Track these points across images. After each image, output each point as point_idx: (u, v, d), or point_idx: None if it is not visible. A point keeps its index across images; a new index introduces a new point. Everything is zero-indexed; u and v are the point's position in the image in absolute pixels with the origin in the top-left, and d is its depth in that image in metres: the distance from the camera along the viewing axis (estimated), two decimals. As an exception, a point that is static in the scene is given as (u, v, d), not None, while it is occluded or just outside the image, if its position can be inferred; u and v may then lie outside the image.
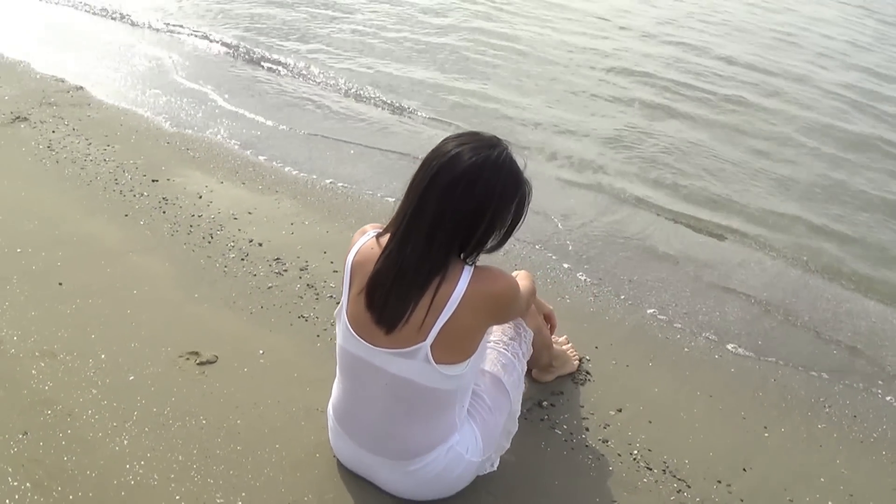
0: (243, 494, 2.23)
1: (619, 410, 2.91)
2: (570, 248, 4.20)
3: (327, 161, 4.86)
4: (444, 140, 2.07)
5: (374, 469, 2.27)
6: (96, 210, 3.73)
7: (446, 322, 1.99)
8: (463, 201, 1.97)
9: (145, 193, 3.99)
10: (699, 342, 3.44)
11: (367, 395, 2.16)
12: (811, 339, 3.63)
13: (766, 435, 2.90)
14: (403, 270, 2.00)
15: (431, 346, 2.02)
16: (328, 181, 4.54)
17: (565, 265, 3.99)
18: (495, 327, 2.52)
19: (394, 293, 2.01)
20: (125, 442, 2.35)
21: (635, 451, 2.70)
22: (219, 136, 5.03)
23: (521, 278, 2.56)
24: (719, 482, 2.62)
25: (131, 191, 4.00)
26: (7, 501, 2.08)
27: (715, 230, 4.64)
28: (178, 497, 2.20)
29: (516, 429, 2.53)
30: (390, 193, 4.36)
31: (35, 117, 4.75)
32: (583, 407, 2.90)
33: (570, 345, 3.15)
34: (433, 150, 2.04)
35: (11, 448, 2.25)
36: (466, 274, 2.00)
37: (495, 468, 2.47)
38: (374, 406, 2.16)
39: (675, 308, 3.72)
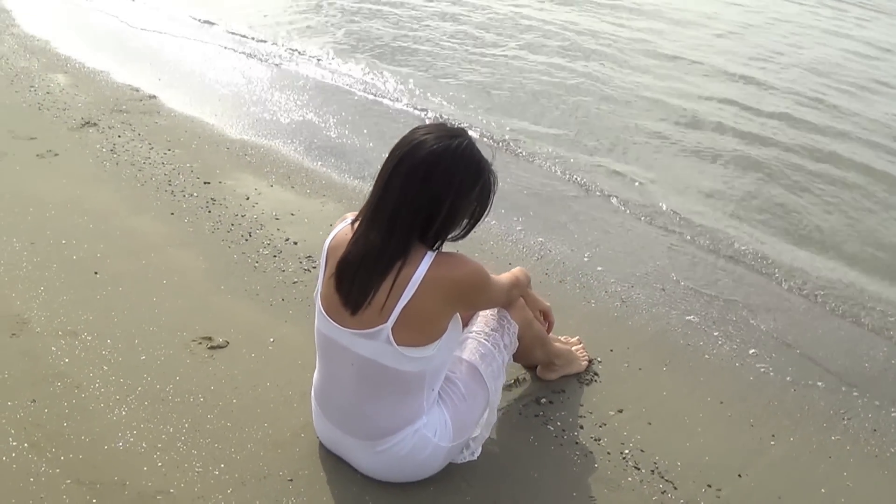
0: (222, 466, 2.35)
1: (620, 411, 2.88)
2: (608, 254, 4.17)
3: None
4: (413, 129, 2.15)
5: (348, 449, 2.35)
6: (144, 208, 3.97)
7: (406, 304, 2.06)
8: (422, 189, 2.06)
9: (195, 194, 4.21)
10: (722, 350, 3.37)
11: (338, 375, 2.25)
12: (844, 353, 3.49)
13: (773, 443, 2.81)
14: (368, 254, 2.08)
15: (392, 328, 2.08)
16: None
17: (598, 268, 3.95)
18: (480, 318, 2.56)
19: (359, 276, 2.10)
20: (123, 413, 2.51)
21: (626, 451, 2.68)
22: (278, 142, 5.23)
23: (513, 272, 2.59)
24: (709, 486, 2.57)
25: (182, 191, 4.23)
26: (3, 458, 2.25)
27: (759, 244, 4.48)
28: (160, 464, 2.33)
29: (496, 419, 2.55)
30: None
31: (104, 123, 5.08)
32: (582, 406, 2.89)
33: (581, 346, 3.14)
34: (400, 139, 2.12)
35: (18, 413, 2.44)
36: (428, 259, 2.06)
37: (475, 457, 2.50)
38: (345, 386, 2.24)
39: (705, 316, 3.65)
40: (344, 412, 2.29)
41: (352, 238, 2.14)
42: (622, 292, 3.76)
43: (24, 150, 4.44)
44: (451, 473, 2.45)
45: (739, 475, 2.63)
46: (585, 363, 3.09)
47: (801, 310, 3.82)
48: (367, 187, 4.48)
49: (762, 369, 3.26)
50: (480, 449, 2.55)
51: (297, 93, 6.38)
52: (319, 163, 4.98)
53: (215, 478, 2.31)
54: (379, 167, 2.14)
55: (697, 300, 3.78)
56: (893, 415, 3.07)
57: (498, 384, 2.48)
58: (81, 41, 7.32)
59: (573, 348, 3.12)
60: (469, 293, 2.17)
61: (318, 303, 2.23)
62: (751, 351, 3.40)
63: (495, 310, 2.57)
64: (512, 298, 2.54)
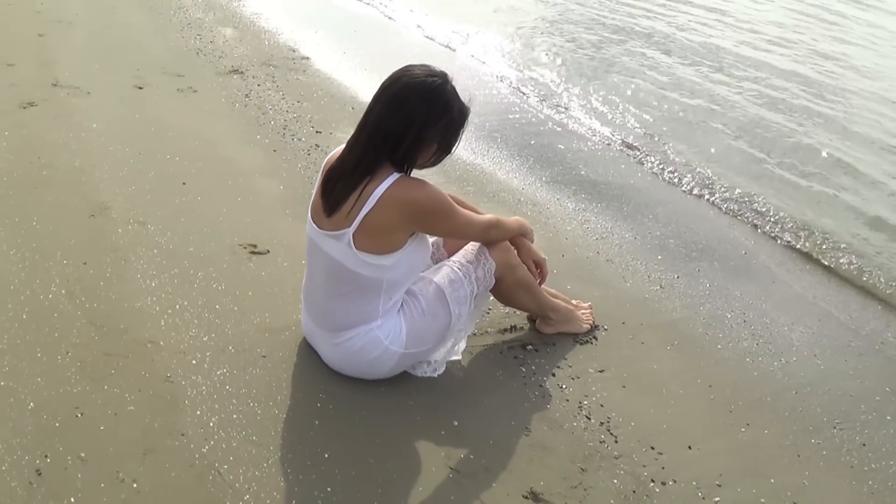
0: (213, 335, 2.74)
1: (601, 371, 2.99)
2: (671, 243, 4.23)
3: (516, 166, 5.23)
4: (405, 66, 2.46)
5: (317, 339, 2.68)
6: (251, 142, 4.48)
7: (366, 214, 2.37)
8: (394, 115, 2.38)
9: (303, 139, 4.68)
10: (739, 346, 3.36)
11: (313, 272, 2.59)
12: (866, 370, 3.37)
13: (743, 430, 2.83)
14: (346, 168, 2.42)
15: (354, 234, 2.40)
16: (492, 180, 4.93)
17: (658, 256, 4.03)
18: (462, 251, 2.80)
19: (338, 185, 2.43)
20: (152, 284, 2.97)
21: (585, 402, 2.80)
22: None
23: (499, 217, 2.81)
24: (652, 448, 2.64)
25: (293, 135, 4.72)
26: (41, 297, 2.77)
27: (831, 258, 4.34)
28: (162, 323, 2.76)
29: (463, 344, 2.78)
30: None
31: (250, 73, 5.70)
32: (565, 360, 3.02)
33: (589, 310, 3.27)
34: (391, 73, 2.44)
35: (68, 269, 2.96)
36: (391, 179, 2.36)
37: (436, 374, 2.75)
38: (317, 282, 2.58)
39: (741, 317, 3.63)
40: (315, 305, 2.62)
41: (339, 154, 2.48)
42: (665, 280, 3.81)
43: (168, 84, 5.11)
44: (405, 381, 2.70)
45: (689, 447, 2.68)
46: (587, 326, 3.21)
47: (833, 325, 3.69)
48: (478, 169, 4.78)
49: (770, 369, 3.23)
50: (444, 369, 2.78)
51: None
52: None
53: (202, 342, 2.70)
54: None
55: (738, 301, 3.76)
56: (891, 435, 2.95)
57: (462, 310, 2.70)
58: (265, 2, 8.06)
59: (580, 312, 3.24)
60: (422, 215, 2.43)
61: (309, 209, 2.57)
62: (769, 351, 3.37)
63: (477, 245, 2.79)
64: (489, 238, 2.74)
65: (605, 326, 3.27)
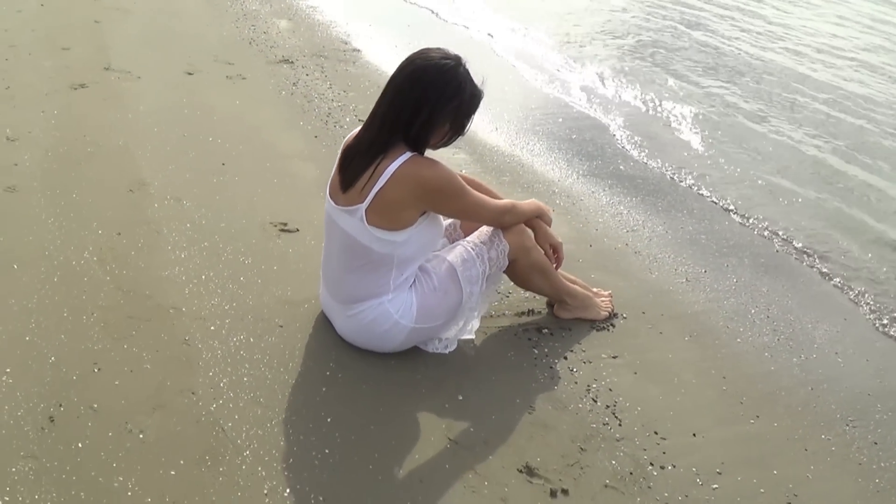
0: (234, 304, 2.86)
1: (614, 357, 3.02)
2: (703, 238, 4.22)
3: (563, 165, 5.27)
4: (422, 49, 2.54)
5: (332, 311, 2.77)
6: (294, 127, 4.61)
7: (378, 191, 2.45)
8: (408, 95, 2.46)
9: (344, 126, 4.79)
10: (759, 340, 3.34)
11: (330, 246, 2.68)
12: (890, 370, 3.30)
13: (752, 422, 2.82)
14: (362, 145, 2.51)
15: (366, 210, 2.48)
16: (539, 176, 4.97)
17: (684, 252, 4.02)
18: (476, 232, 2.86)
19: (354, 162, 2.52)
20: (181, 256, 3.10)
21: (594, 386, 2.83)
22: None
23: (515, 202, 2.85)
24: (655, 433, 2.66)
25: (336, 123, 4.83)
26: (73, 262, 2.92)
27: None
28: (186, 291, 2.89)
29: (476, 324, 2.84)
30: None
31: (300, 63, 5.84)
32: (579, 344, 3.05)
33: (609, 298, 3.30)
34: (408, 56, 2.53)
35: (102, 238, 3.11)
36: (404, 157, 2.44)
37: (447, 351, 2.82)
38: (333, 256, 2.67)
39: (764, 312, 3.61)
40: (331, 278, 2.71)
41: (357, 133, 2.57)
42: (691, 273, 3.80)
43: (218, 71, 5.27)
44: (416, 356, 2.77)
45: (694, 434, 2.69)
46: (605, 313, 3.23)
47: (859, 324, 3.63)
48: (521, 165, 4.85)
49: (788, 364, 3.21)
50: (455, 346, 2.84)
51: (512, 88, 6.75)
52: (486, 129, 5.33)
53: (223, 310, 2.81)
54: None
55: (764, 297, 3.73)
56: (907, 436, 2.91)
57: (474, 289, 2.76)
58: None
59: (599, 299, 3.27)
60: (432, 194, 2.50)
61: (328, 186, 2.67)
62: (789, 347, 3.34)
63: (492, 228, 2.85)
64: (503, 222, 2.79)
65: (625, 315, 3.28)
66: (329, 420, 2.40)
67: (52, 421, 2.18)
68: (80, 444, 2.13)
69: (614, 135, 5.59)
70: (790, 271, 4.02)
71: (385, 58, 6.38)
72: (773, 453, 2.67)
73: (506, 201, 2.80)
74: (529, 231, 2.89)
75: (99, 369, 2.42)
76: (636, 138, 5.59)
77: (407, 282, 2.66)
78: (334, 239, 2.62)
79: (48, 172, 3.51)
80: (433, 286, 2.68)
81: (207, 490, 2.08)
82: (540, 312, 3.19)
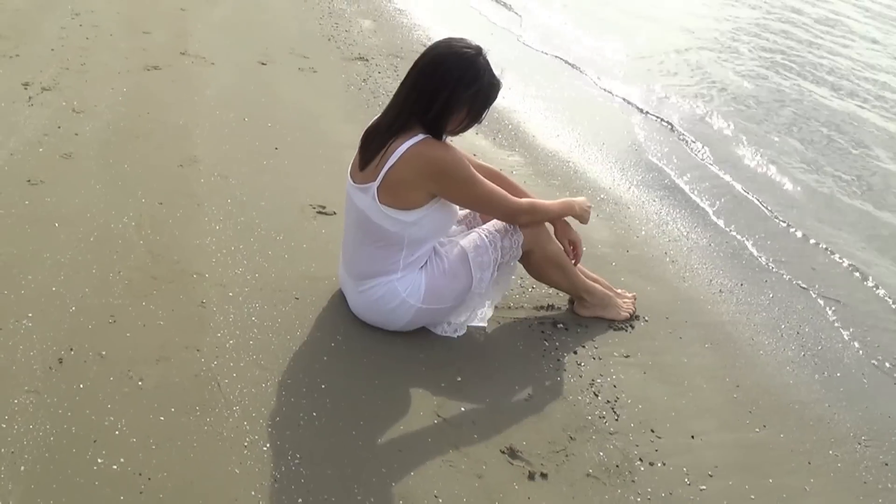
0: (256, 275, 2.99)
1: (626, 356, 3.01)
2: (746, 253, 4.16)
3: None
4: (445, 38, 2.63)
5: (346, 286, 2.88)
6: (353, 121, 4.72)
7: (389, 169, 2.54)
8: (429, 79, 2.54)
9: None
10: (783, 354, 3.27)
11: (348, 223, 2.79)
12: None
13: (757, 430, 2.78)
14: (381, 126, 2.61)
15: (378, 188, 2.57)
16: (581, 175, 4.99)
17: (728, 263, 3.98)
18: (493, 220, 2.92)
19: (373, 141, 2.63)
20: (216, 227, 3.25)
21: (598, 380, 2.84)
22: (518, 113, 5.72)
23: (554, 204, 2.91)
24: (652, 431, 2.65)
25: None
26: (112, 225, 3.11)
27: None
28: (213, 260, 3.04)
29: (490, 312, 2.92)
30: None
31: (375, 61, 5.99)
32: (592, 341, 3.06)
33: (632, 300, 3.29)
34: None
35: (144, 206, 3.28)
36: (417, 138, 2.53)
37: (455, 335, 2.88)
38: (349, 232, 2.78)
39: (795, 329, 3.53)
40: (346, 254, 2.82)
41: (380, 115, 2.67)
42: (727, 285, 3.74)
43: (291, 63, 5.47)
44: (423, 336, 2.84)
45: (693, 436, 2.67)
46: (626, 314, 3.23)
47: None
48: (561, 165, 4.88)
49: (810, 380, 3.14)
50: (464, 331, 2.90)
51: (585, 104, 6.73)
52: (545, 145, 5.37)
53: (244, 279, 2.95)
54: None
55: (797, 314, 3.64)
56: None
57: (484, 275, 2.81)
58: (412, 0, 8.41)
59: (621, 300, 3.27)
60: (439, 175, 2.56)
61: (350, 166, 2.78)
62: (814, 363, 3.26)
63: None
64: (518, 221, 2.81)
65: (646, 318, 3.27)
66: (323, 387, 2.48)
67: (61, 362, 2.34)
68: (81, 385, 2.28)
69: (678, 150, 5.52)
70: (830, 290, 3.89)
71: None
72: (773, 462, 2.62)
73: (525, 200, 2.81)
74: (544, 222, 2.91)
75: (114, 321, 2.58)
76: (700, 154, 5.50)
77: (418, 262, 2.73)
78: (351, 216, 2.72)
79: (105, 143, 3.73)
80: (443, 269, 2.74)
81: (190, 437, 2.19)
82: (559, 308, 3.21)
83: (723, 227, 4.39)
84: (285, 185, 3.67)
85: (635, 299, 3.32)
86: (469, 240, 2.80)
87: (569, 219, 3.02)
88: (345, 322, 2.81)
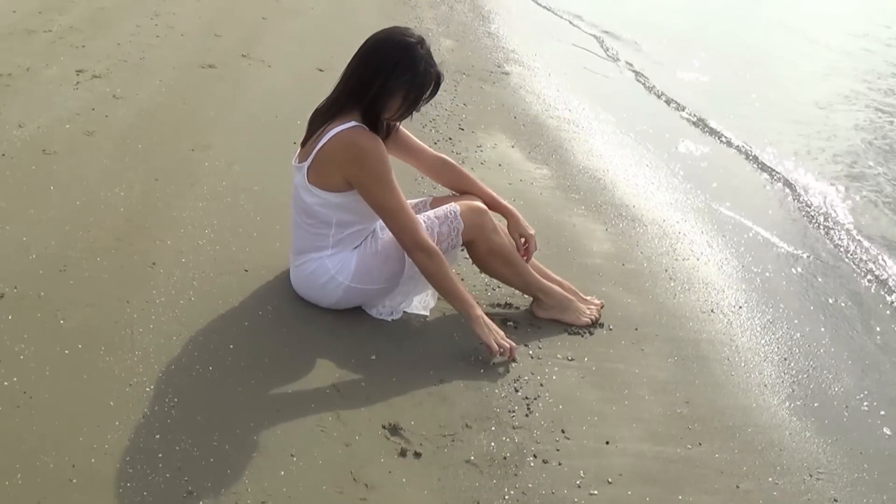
0: (217, 248, 3.13)
1: (570, 359, 2.92)
2: (759, 280, 3.96)
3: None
4: (391, 27, 2.72)
5: (290, 261, 2.98)
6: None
7: (318, 151, 2.64)
8: (366, 64, 2.62)
9: (440, 131, 4.97)
10: (758, 379, 3.07)
11: (292, 201, 2.91)
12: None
13: (688, 447, 2.59)
14: (321, 110, 2.72)
15: (308, 167, 2.68)
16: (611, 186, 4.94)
17: (735, 287, 3.80)
18: (439, 207, 2.94)
19: (314, 125, 2.74)
20: (200, 204, 3.44)
21: (525, 377, 2.75)
22: (566, 128, 5.71)
23: (465, 290, 2.80)
24: (562, 431, 2.53)
25: (434, 128, 4.99)
26: (101, 194, 3.35)
27: None
28: (182, 231, 3.21)
29: (432, 302, 2.97)
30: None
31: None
32: (539, 342, 2.97)
33: (597, 307, 3.21)
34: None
35: (139, 180, 3.53)
36: (349, 124, 2.60)
37: (390, 318, 2.91)
38: (292, 209, 2.89)
39: (785, 354, 3.30)
40: (291, 231, 2.92)
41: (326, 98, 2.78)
42: (723, 306, 3.56)
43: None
44: (356, 315, 2.87)
45: (607, 442, 2.54)
46: (586, 320, 3.13)
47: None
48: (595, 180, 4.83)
49: (777, 405, 2.92)
50: (400, 315, 2.92)
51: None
52: (576, 158, 5.32)
53: (204, 251, 3.09)
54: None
55: (793, 342, 3.42)
56: (886, 499, 2.55)
57: (421, 262, 2.81)
58: (506, 26, 8.53)
59: (585, 306, 3.19)
60: (354, 163, 2.59)
61: None
62: (791, 391, 3.04)
63: (452, 204, 2.91)
64: (407, 248, 2.68)
65: (611, 327, 3.16)
66: (230, 346, 2.57)
67: (1, 297, 2.55)
68: (9, 317, 2.48)
69: (727, 173, 5.32)
70: (840, 321, 3.63)
71: (530, 84, 6.51)
72: (692, 480, 2.46)
73: (433, 245, 2.68)
74: (488, 212, 2.90)
75: (64, 270, 2.78)
76: (743, 179, 5.27)
77: (350, 241, 2.78)
78: (292, 193, 2.82)
79: (130, 126, 4.02)
80: (376, 249, 2.78)
81: (83, 371, 2.33)
82: (517, 308, 3.16)
83: (743, 252, 4.19)
84: (286, 175, 3.78)
85: (602, 307, 3.21)
86: (408, 225, 2.81)
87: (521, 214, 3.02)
88: (281, 295, 2.89)
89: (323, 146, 2.58)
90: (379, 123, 2.64)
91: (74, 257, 2.86)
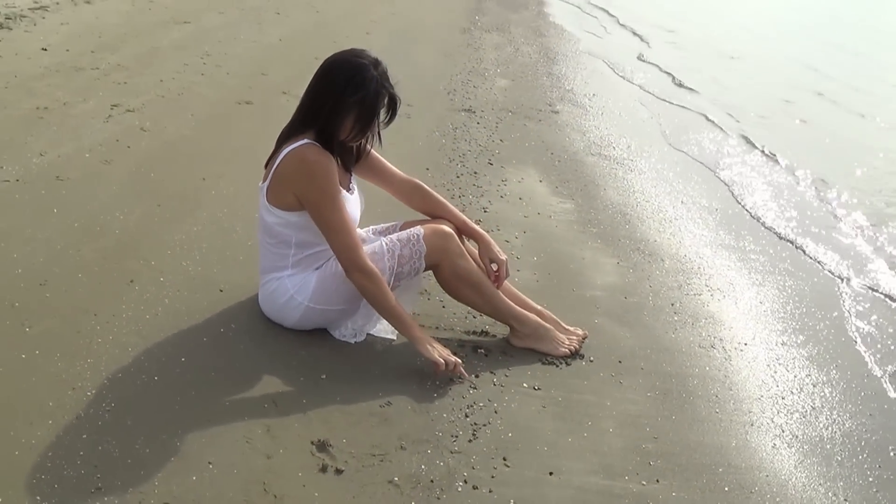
0: (200, 269, 3.22)
1: (535, 388, 2.84)
2: (783, 313, 3.75)
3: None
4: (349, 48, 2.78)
5: (259, 281, 3.03)
6: (414, 161, 4.87)
7: (273, 170, 2.71)
8: (318, 86, 2.68)
9: (466, 166, 5.01)
10: (745, 418, 2.89)
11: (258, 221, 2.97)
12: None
13: (643, 483, 2.45)
14: (284, 131, 2.79)
15: (267, 188, 2.74)
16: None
17: (743, 324, 3.62)
18: (403, 231, 2.94)
19: (276, 145, 2.82)
20: (195, 229, 3.55)
21: (480, 404, 2.66)
22: (603, 165, 5.64)
23: (404, 312, 2.77)
24: (504, 460, 2.42)
25: (461, 162, 5.05)
26: (100, 217, 3.51)
27: None
28: (168, 252, 3.31)
29: (378, 318, 2.90)
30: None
31: (481, 113, 6.18)
32: (507, 370, 2.89)
33: (578, 338, 3.12)
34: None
35: (142, 206, 3.68)
36: (302, 142, 2.65)
37: (353, 341, 2.91)
38: (258, 229, 2.96)
39: (786, 396, 3.11)
40: (260, 250, 2.98)
41: None
42: (724, 344, 3.39)
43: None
44: (318, 336, 2.87)
45: (551, 473, 2.42)
46: (564, 350, 3.03)
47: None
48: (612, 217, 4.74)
49: (760, 447, 2.75)
50: (363, 338, 2.92)
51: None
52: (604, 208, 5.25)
53: (184, 270, 3.18)
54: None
55: (801, 386, 3.22)
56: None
57: (380, 284, 2.80)
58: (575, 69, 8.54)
59: (565, 336, 3.10)
60: (301, 178, 2.62)
61: None
62: (781, 433, 2.86)
63: (418, 227, 2.91)
64: (349, 272, 2.67)
65: (592, 358, 3.06)
66: (182, 359, 2.61)
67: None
68: None
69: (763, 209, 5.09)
70: (859, 366, 3.38)
71: (578, 122, 6.48)
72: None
73: (372, 267, 2.68)
74: (454, 236, 2.87)
75: (44, 284, 2.91)
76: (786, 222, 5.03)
77: (310, 262, 2.80)
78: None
79: (148, 156, 4.20)
80: (335, 270, 2.79)
81: (34, 374, 2.43)
82: (494, 336, 3.09)
83: (762, 288, 3.99)
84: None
85: (584, 338, 3.11)
86: (370, 246, 2.82)
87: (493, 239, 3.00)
88: (249, 315, 2.93)
89: (277, 165, 2.63)
90: (333, 143, 2.66)
91: (57, 273, 2.98)
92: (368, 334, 2.93)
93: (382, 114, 2.68)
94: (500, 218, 4.23)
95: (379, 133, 2.81)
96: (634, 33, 12.03)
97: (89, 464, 2.11)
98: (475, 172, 4.88)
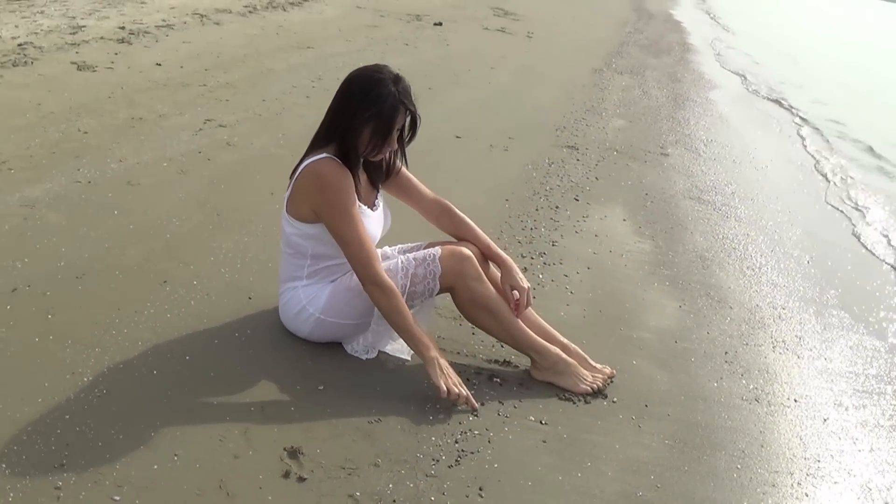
0: (236, 276, 3.33)
1: (542, 422, 2.71)
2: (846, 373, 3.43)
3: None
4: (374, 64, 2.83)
5: (284, 285, 3.07)
6: (485, 193, 4.88)
7: (293, 183, 2.78)
8: (339, 100, 2.74)
9: (544, 198, 4.94)
10: (766, 478, 2.64)
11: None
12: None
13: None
14: (309, 145, 2.87)
15: (287, 198, 2.81)
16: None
17: (809, 381, 3.34)
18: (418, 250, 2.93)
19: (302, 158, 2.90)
20: (236, 237, 3.67)
21: (475, 431, 2.57)
22: (698, 209, 5.42)
23: (418, 328, 2.69)
24: (480, 489, 2.32)
25: (532, 194, 5.01)
26: (152, 219, 3.66)
27: None
28: (211, 258, 3.43)
29: (392, 336, 2.87)
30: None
31: (584, 150, 6.16)
32: (518, 401, 2.77)
33: (603, 376, 2.97)
34: None
35: (193, 215, 3.81)
36: (320, 156, 2.70)
37: (365, 357, 2.88)
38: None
39: (822, 457, 2.83)
40: (285, 259, 3.04)
41: None
42: (774, 399, 3.13)
43: (487, 139, 5.82)
44: (330, 349, 2.87)
45: (533, 507, 2.33)
46: (585, 388, 2.88)
47: None
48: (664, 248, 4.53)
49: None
50: (375, 354, 2.89)
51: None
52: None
53: (220, 276, 3.28)
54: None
55: (848, 444, 2.94)
56: None
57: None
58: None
59: (590, 373, 2.98)
60: (316, 191, 2.65)
61: None
62: (799, 494, 2.61)
63: (435, 247, 2.88)
64: (365, 284, 2.66)
65: (615, 399, 2.90)
66: (187, 358, 2.67)
67: (14, 291, 2.91)
68: (8, 307, 2.82)
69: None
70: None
71: (685, 166, 6.27)
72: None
73: (388, 282, 2.65)
74: (472, 258, 2.81)
75: (80, 278, 3.08)
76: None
77: (326, 274, 2.82)
78: (281, 225, 2.94)
79: (226, 169, 4.39)
80: (349, 284, 2.80)
81: (39, 357, 2.56)
82: (517, 367, 2.99)
83: (833, 347, 3.67)
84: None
85: (611, 377, 2.96)
86: (386, 263, 2.82)
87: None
88: (268, 323, 2.96)
89: (297, 178, 2.67)
90: (353, 158, 2.67)
91: (96, 269, 3.14)
92: (382, 352, 2.87)
93: (404, 131, 2.64)
94: (566, 252, 4.11)
95: (403, 150, 2.79)
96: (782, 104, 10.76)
97: (62, 442, 2.18)
98: (556, 207, 4.78)
